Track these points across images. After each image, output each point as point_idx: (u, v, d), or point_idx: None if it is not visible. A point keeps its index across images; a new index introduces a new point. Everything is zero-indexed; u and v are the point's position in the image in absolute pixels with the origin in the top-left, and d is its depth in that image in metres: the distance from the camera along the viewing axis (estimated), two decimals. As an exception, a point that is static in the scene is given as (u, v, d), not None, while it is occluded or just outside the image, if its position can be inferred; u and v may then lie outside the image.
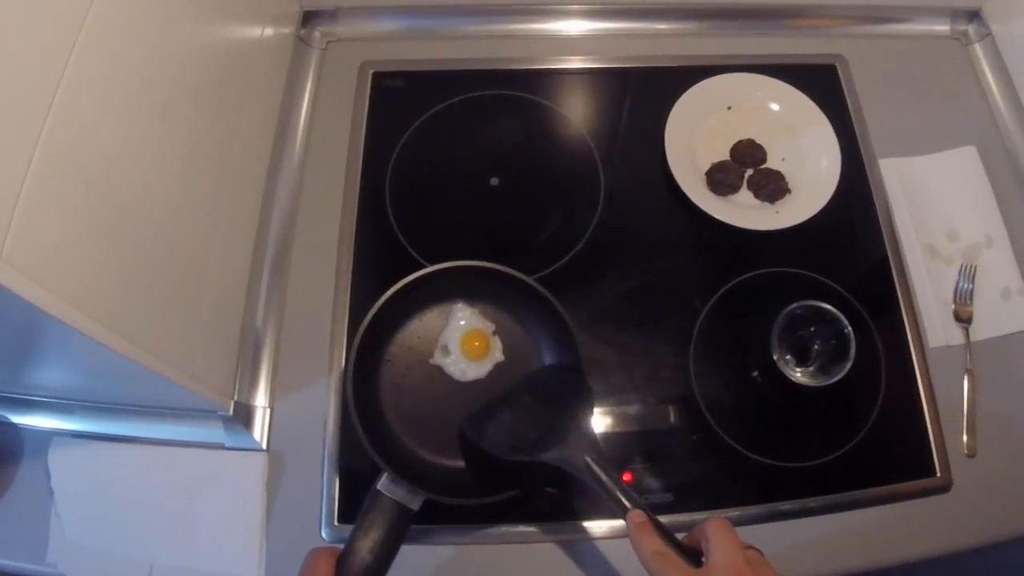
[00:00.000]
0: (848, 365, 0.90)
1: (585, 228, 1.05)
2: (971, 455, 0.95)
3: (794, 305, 0.93)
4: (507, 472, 0.83)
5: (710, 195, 1.07)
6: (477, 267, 0.91)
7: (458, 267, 0.91)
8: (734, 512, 0.90)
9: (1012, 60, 1.18)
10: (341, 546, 0.74)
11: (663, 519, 0.69)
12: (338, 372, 0.96)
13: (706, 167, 1.09)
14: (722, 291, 1.02)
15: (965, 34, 1.23)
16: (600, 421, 0.94)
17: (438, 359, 0.93)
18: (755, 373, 0.99)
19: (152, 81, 0.73)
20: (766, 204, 1.07)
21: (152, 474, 0.91)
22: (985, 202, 1.09)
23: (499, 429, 0.84)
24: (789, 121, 1.12)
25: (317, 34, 1.19)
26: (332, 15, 1.19)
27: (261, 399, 0.95)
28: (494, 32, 1.20)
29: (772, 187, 1.07)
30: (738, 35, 1.22)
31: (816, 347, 0.95)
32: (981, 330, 1.01)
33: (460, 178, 1.10)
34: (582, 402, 0.82)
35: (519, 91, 1.15)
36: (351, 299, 1.00)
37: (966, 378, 0.98)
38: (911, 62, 1.21)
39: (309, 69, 1.16)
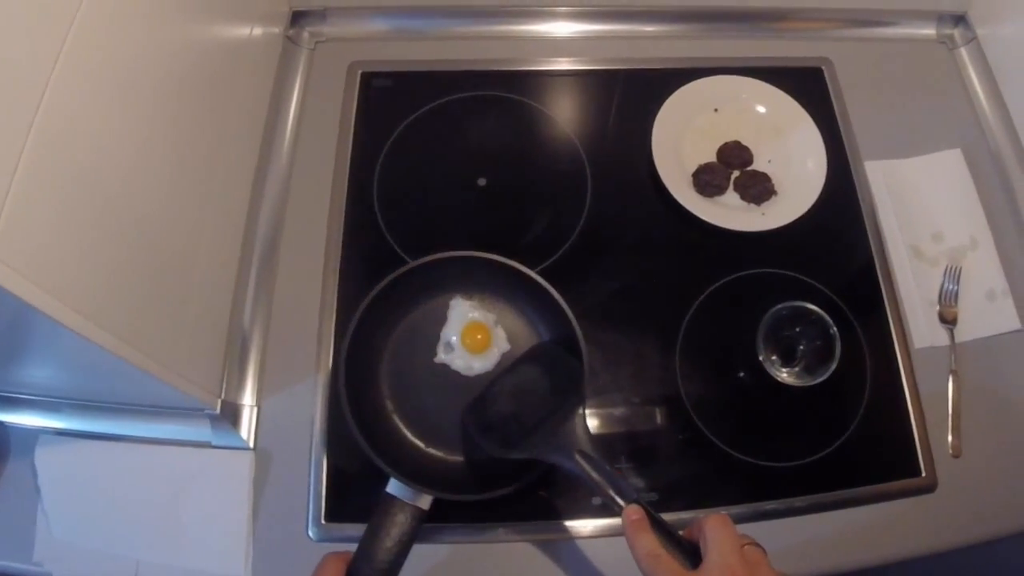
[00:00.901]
0: (833, 365, 0.91)
1: (572, 228, 1.05)
2: (956, 455, 0.95)
3: (780, 306, 0.93)
4: (516, 466, 0.83)
5: (696, 196, 1.07)
6: (466, 257, 0.91)
7: (447, 258, 0.91)
8: (719, 512, 0.90)
9: (997, 64, 1.19)
10: (352, 549, 0.74)
11: (650, 518, 0.68)
12: (326, 371, 0.96)
13: (693, 168, 1.10)
14: (708, 292, 1.02)
15: (951, 38, 1.24)
16: (587, 421, 0.94)
17: (442, 357, 0.93)
18: (741, 373, 0.99)
19: (140, 79, 0.73)
20: (752, 205, 1.08)
21: (139, 472, 0.91)
22: (970, 204, 1.10)
23: (495, 424, 0.84)
24: (776, 123, 1.13)
25: (306, 34, 1.19)
26: (321, 15, 1.19)
27: (248, 397, 0.95)
28: (483, 33, 1.21)
29: (758, 188, 1.07)
30: (725, 38, 1.23)
31: (802, 347, 0.95)
32: (966, 331, 1.02)
33: (448, 178, 1.10)
34: (574, 392, 0.82)
35: (507, 92, 1.15)
36: (338, 298, 1.00)
37: (951, 379, 0.99)
38: (897, 65, 1.22)
39: (297, 69, 1.16)
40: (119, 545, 0.89)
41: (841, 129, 1.14)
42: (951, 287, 1.03)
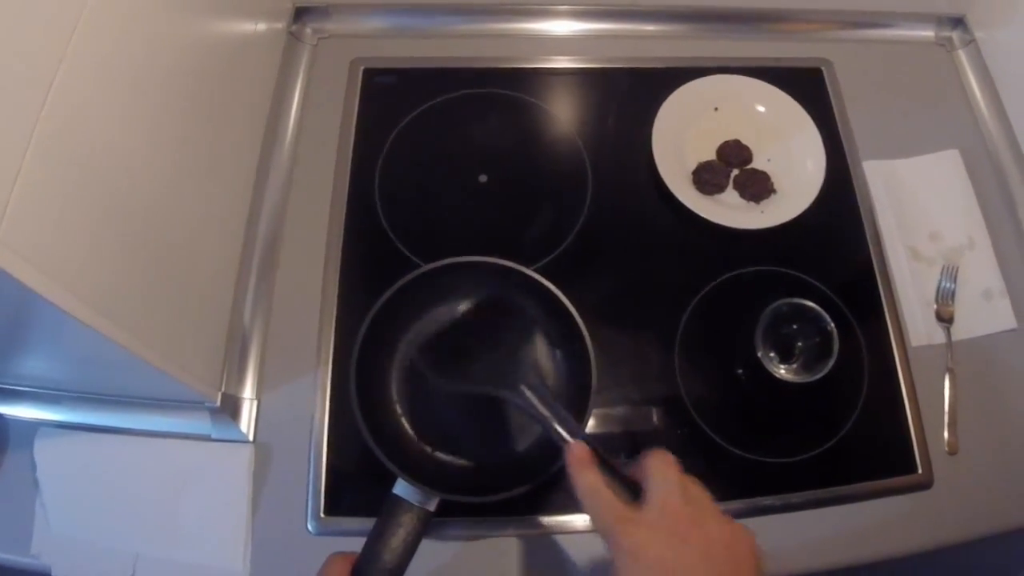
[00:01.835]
0: (831, 362, 0.91)
1: (572, 226, 1.05)
2: (952, 452, 0.96)
3: (778, 303, 0.93)
4: (522, 466, 0.83)
5: (696, 194, 1.08)
6: (474, 263, 0.89)
7: (463, 263, 0.89)
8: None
9: (995, 66, 1.20)
10: (352, 545, 0.74)
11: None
12: (326, 364, 0.96)
13: (693, 167, 1.10)
14: (707, 289, 1.03)
15: (949, 40, 1.25)
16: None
17: None
18: (739, 370, 1.00)
19: (146, 72, 0.73)
20: (751, 204, 1.08)
21: (138, 465, 0.91)
22: (967, 205, 1.11)
23: (444, 358, 0.84)
24: (775, 123, 1.14)
25: (309, 30, 1.19)
26: (324, 11, 1.20)
27: (248, 391, 0.95)
28: (484, 31, 1.21)
29: (758, 187, 1.08)
30: (726, 38, 1.23)
31: (800, 344, 0.95)
32: (962, 330, 1.03)
33: (449, 175, 1.10)
34: (528, 336, 0.83)
35: (509, 90, 1.16)
36: (339, 293, 1.00)
37: (947, 377, 0.99)
38: (896, 67, 1.22)
39: (300, 65, 1.16)
40: (117, 538, 0.88)
41: (840, 129, 1.15)
42: (948, 286, 1.04)
